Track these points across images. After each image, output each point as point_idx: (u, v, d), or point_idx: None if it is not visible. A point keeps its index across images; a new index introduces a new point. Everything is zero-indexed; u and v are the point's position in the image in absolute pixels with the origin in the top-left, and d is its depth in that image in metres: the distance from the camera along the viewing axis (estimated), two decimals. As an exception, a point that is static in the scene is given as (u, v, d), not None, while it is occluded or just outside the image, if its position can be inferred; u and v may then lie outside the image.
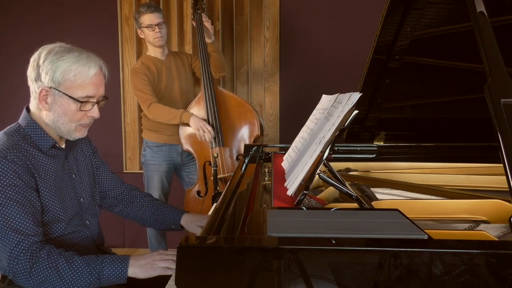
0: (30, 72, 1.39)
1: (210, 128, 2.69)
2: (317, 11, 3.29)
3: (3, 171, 1.28)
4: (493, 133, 1.06)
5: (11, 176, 1.29)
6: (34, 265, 1.24)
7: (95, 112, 1.43)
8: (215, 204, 1.88)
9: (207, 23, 2.78)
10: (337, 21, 3.28)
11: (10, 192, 1.27)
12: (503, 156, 1.02)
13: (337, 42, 3.28)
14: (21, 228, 1.26)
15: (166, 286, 1.25)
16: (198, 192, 2.83)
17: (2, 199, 1.26)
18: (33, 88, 1.40)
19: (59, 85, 1.36)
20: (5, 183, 1.27)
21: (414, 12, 1.64)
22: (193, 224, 1.66)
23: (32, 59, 1.40)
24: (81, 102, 1.39)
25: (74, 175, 1.52)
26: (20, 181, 1.30)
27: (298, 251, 0.88)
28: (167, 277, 1.30)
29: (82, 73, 1.37)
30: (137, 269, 1.29)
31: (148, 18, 2.74)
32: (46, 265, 1.24)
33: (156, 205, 1.73)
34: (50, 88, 1.37)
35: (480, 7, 1.22)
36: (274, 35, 3.34)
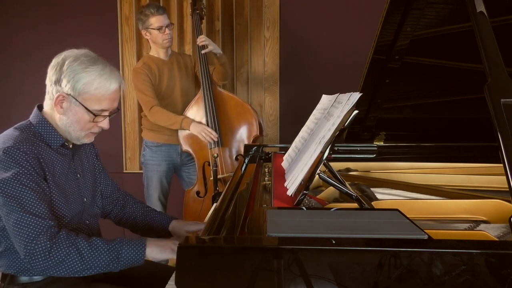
0: (51, 74, 1.40)
1: (211, 130, 2.70)
2: (317, 11, 3.29)
3: (18, 160, 1.30)
4: (493, 133, 1.06)
5: (26, 166, 1.31)
6: (54, 245, 1.25)
7: (105, 124, 1.48)
8: (215, 204, 1.88)
9: (203, 43, 2.76)
10: (337, 21, 3.28)
11: (25, 180, 1.29)
12: (503, 156, 1.02)
13: (337, 42, 3.28)
14: (37, 212, 1.28)
15: (166, 286, 1.24)
16: (198, 193, 2.83)
17: (17, 186, 1.28)
18: (51, 89, 1.42)
19: (78, 94, 1.39)
20: (20, 172, 1.30)
21: (414, 12, 1.64)
22: (180, 229, 1.67)
23: (55, 61, 1.41)
24: (95, 115, 1.42)
25: (79, 175, 1.54)
26: (33, 171, 1.32)
27: (298, 251, 0.88)
28: (167, 277, 1.30)
29: (103, 88, 1.40)
30: (154, 248, 1.32)
31: (158, 20, 2.72)
32: (67, 243, 1.26)
33: (147, 211, 1.75)
34: (68, 95, 1.39)
35: (480, 7, 1.22)
36: (274, 35, 3.34)
